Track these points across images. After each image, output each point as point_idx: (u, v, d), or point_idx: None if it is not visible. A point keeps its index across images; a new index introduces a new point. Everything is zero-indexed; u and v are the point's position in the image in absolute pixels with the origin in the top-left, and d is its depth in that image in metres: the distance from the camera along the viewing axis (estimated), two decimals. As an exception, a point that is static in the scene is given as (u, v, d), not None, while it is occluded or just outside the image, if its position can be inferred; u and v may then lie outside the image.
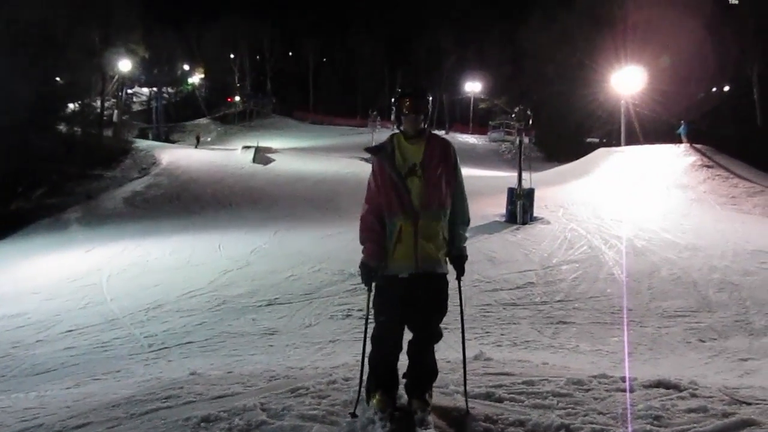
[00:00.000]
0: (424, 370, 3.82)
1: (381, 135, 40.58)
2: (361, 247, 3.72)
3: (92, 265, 15.72)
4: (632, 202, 18.93)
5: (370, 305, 3.73)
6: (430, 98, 3.91)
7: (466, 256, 3.83)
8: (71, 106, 47.39)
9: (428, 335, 3.77)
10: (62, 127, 43.75)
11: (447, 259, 3.76)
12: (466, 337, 7.32)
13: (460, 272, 3.83)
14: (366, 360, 3.84)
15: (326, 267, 12.55)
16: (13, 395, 5.99)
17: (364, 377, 3.86)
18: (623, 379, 4.49)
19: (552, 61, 44.13)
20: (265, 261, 14.35)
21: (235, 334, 8.64)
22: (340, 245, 14.74)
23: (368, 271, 3.66)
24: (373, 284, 3.70)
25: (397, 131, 3.85)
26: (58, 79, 43.08)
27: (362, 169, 28.14)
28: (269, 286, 11.61)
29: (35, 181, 33.70)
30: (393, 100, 3.84)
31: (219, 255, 15.57)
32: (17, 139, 31.73)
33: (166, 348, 8.10)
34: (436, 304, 3.71)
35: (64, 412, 4.51)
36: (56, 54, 35.70)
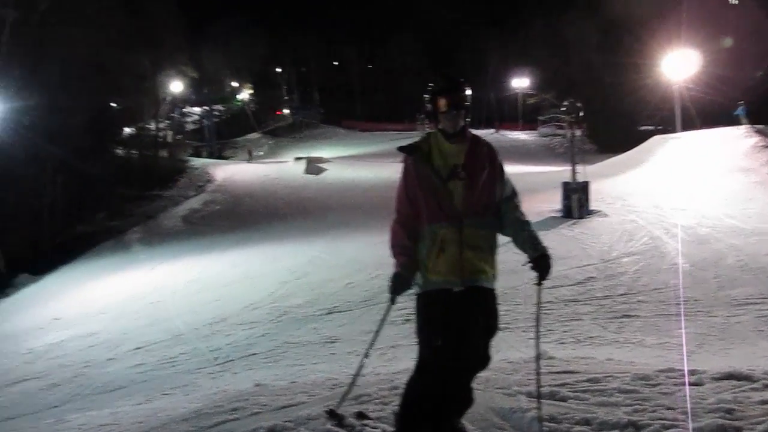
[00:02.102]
0: (465, 400, 3.36)
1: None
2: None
3: (156, 283, 16.13)
4: (692, 189, 18.40)
5: (387, 319, 3.43)
6: (469, 91, 3.50)
7: (549, 255, 3.38)
8: (127, 129, 48.83)
9: (478, 361, 3.29)
10: (120, 151, 45.15)
11: (495, 273, 3.36)
12: (527, 336, 7.25)
13: (545, 275, 3.38)
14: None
15: (383, 273, 12.53)
16: (87, 413, 6.19)
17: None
18: (692, 372, 4.38)
19: (599, 50, 43.35)
20: (322, 270, 14.46)
21: (297, 344, 8.74)
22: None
23: (402, 282, 3.33)
24: (406, 304, 3.44)
25: (433, 130, 3.50)
26: (113, 104, 44.38)
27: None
28: (328, 295, 11.71)
29: (97, 205, 34.80)
30: (427, 96, 3.50)
31: (277, 267, 15.76)
32: (78, 166, 32.86)
33: (230, 361, 8.24)
34: (488, 324, 3.31)
35: (136, 428, 4.65)
36: (109, 81, 36.81)
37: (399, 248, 3.38)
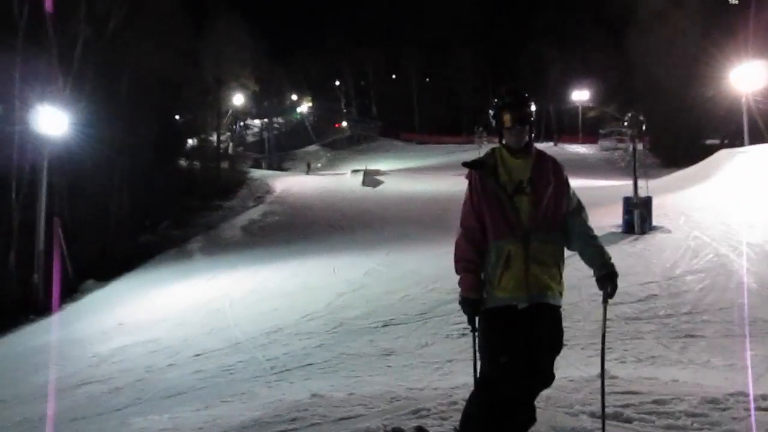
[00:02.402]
0: (527, 418, 3.30)
1: (487, 150, 40.10)
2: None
3: (215, 292, 16.40)
4: (760, 205, 17.72)
5: (477, 347, 3.29)
6: (533, 106, 3.48)
7: (617, 273, 3.36)
8: (190, 142, 50.11)
9: (541, 378, 3.24)
10: (183, 163, 46.34)
11: (562, 291, 3.32)
12: (586, 354, 7.07)
13: (612, 294, 3.34)
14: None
15: (440, 286, 12.48)
16: (149, 417, 6.31)
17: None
18: (764, 397, 4.19)
19: (663, 62, 42.35)
20: (379, 282, 14.45)
21: (353, 356, 8.74)
22: (452, 264, 14.66)
23: (471, 306, 3.28)
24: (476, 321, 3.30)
25: (498, 145, 3.48)
26: (177, 117, 45.60)
27: (471, 186, 27.68)
28: (384, 307, 11.68)
29: (161, 215, 35.77)
30: (492, 112, 3.46)
31: (334, 278, 15.84)
32: (143, 177, 33.86)
33: (287, 370, 8.29)
34: (553, 342, 3.26)
35: (196, 435, 4.71)
36: (175, 95, 37.87)
37: (464, 263, 3.37)
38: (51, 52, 25.36)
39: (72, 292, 21.76)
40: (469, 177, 3.47)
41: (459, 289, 3.38)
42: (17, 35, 23.99)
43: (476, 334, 3.35)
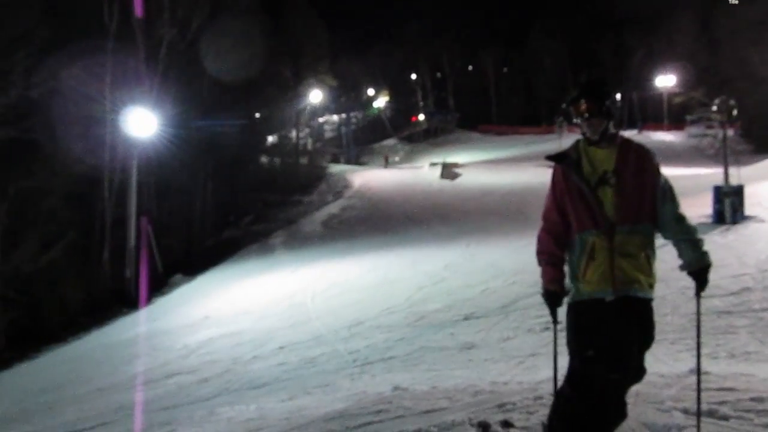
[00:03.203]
0: (617, 413, 3.24)
1: (568, 141, 39.35)
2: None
3: (297, 286, 16.69)
4: None
5: (557, 340, 3.28)
6: (613, 95, 3.37)
7: (710, 263, 3.26)
8: (270, 138, 51.10)
9: (631, 373, 3.15)
10: (264, 159, 47.32)
11: (653, 283, 3.22)
12: (676, 349, 6.84)
13: (704, 287, 3.27)
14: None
15: (521, 279, 12.31)
16: (236, 407, 6.49)
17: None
18: None
19: (754, 43, 40.30)
20: (459, 275, 14.39)
21: (434, 349, 8.73)
22: (533, 257, 14.42)
23: (553, 299, 3.27)
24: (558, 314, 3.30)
25: (582, 137, 3.39)
26: (257, 115, 46.58)
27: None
28: (465, 300, 11.62)
29: (243, 211, 36.68)
30: (566, 104, 3.38)
31: (414, 271, 15.86)
32: (227, 174, 34.81)
33: (369, 363, 8.36)
34: (643, 336, 3.18)
35: (284, 424, 4.81)
36: (255, 93, 38.69)
37: (546, 256, 3.34)
38: (139, 55, 26.35)
39: (161, 286, 22.64)
40: (553, 170, 3.41)
41: (541, 282, 3.35)
42: (107, 39, 25.02)
43: (557, 326, 3.34)
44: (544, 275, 3.33)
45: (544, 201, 3.39)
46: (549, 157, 3.46)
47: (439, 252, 18.35)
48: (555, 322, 3.33)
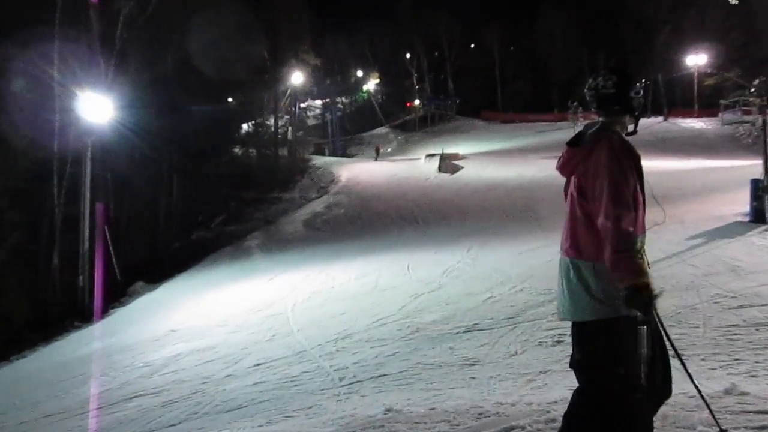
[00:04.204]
0: None
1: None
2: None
3: (276, 293, 16.69)
4: None
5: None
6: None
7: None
8: (244, 127, 50.99)
9: (659, 394, 3.38)
10: (237, 150, 47.22)
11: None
12: (707, 366, 6.86)
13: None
14: None
15: (529, 286, 12.35)
16: (206, 433, 6.48)
17: None
18: None
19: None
20: (459, 282, 14.42)
21: (431, 365, 8.73)
22: (543, 260, 14.45)
23: (653, 297, 3.20)
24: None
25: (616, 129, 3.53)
26: (230, 100, 46.42)
27: (564, 171, 27.25)
28: (466, 311, 11.63)
29: (214, 209, 36.61)
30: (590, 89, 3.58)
31: (408, 278, 15.88)
32: (195, 167, 34.70)
33: (358, 382, 8.35)
34: (666, 351, 3.43)
35: (259, 453, 4.80)
36: (227, 75, 38.59)
37: (635, 251, 3.25)
38: (91, 32, 26.18)
39: (120, 295, 22.55)
40: (620, 152, 3.38)
41: (627, 279, 3.21)
42: (54, 14, 24.81)
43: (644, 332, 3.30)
44: (638, 272, 3.21)
45: (623, 182, 3.31)
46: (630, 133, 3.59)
47: (437, 256, 18.38)
48: (647, 322, 3.29)
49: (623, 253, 3.18)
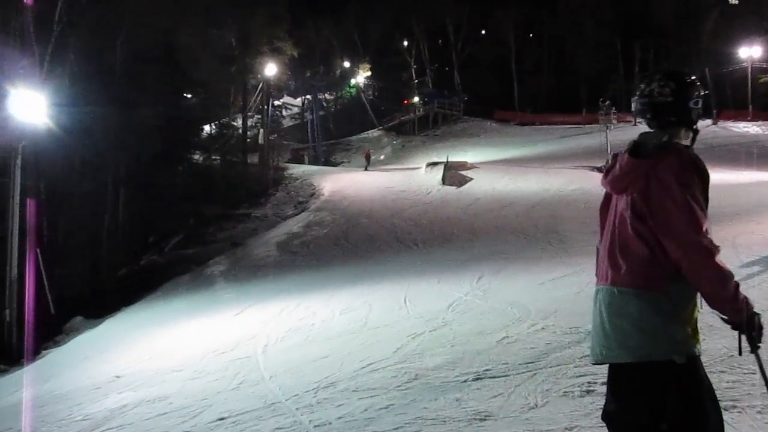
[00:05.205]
0: None
1: (618, 134, 39.57)
2: None
3: (244, 332, 16.63)
4: None
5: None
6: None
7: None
8: (206, 128, 51.02)
9: None
10: (197, 157, 47.21)
11: None
12: (765, 420, 6.90)
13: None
14: None
15: (552, 324, 12.35)
16: None
17: None
18: None
19: None
20: (468, 319, 14.41)
21: (433, 421, 8.72)
22: (570, 292, 14.48)
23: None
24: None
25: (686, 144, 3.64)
26: (189, 96, 46.43)
27: (593, 185, 27.34)
28: (475, 354, 11.63)
29: (169, 228, 36.54)
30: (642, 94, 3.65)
31: (405, 313, 15.86)
32: (146, 177, 34.64)
33: (343, 441, 8.35)
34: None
35: None
36: (186, 65, 38.66)
37: (734, 281, 3.40)
38: (23, 15, 26.19)
39: (54, 333, 22.45)
40: (694, 170, 3.47)
41: (740, 309, 3.39)
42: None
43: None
44: (743, 302, 3.38)
45: (690, 209, 3.38)
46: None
47: (441, 286, 18.38)
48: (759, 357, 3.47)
49: (728, 282, 3.34)
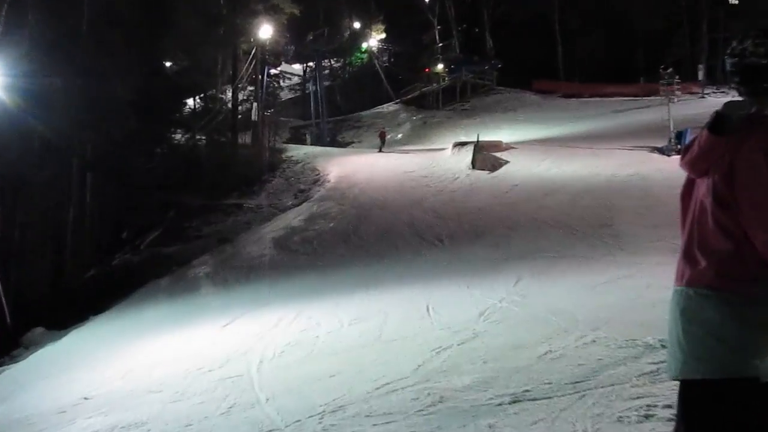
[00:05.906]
0: None
1: (682, 108, 39.35)
2: None
3: (234, 346, 16.68)
4: None
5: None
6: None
7: None
8: (189, 102, 51.04)
9: None
10: (178, 137, 47.26)
11: None
12: None
13: None
14: None
15: (604, 336, 12.32)
16: None
17: None
18: None
19: None
20: (503, 330, 14.40)
21: (462, 452, 8.77)
22: (626, 297, 14.46)
23: None
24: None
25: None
26: (168, 64, 46.42)
27: (656, 168, 27.25)
28: (512, 371, 11.63)
29: (145, 222, 36.60)
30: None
31: (428, 323, 15.86)
32: (118, 162, 34.67)
33: (354, 476, 8.40)
34: None
35: None
36: (164, 28, 38.69)
37: None
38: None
39: (11, 346, 22.57)
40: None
41: None
42: None
43: None
44: None
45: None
46: None
47: (470, 291, 18.36)
48: None
49: None
